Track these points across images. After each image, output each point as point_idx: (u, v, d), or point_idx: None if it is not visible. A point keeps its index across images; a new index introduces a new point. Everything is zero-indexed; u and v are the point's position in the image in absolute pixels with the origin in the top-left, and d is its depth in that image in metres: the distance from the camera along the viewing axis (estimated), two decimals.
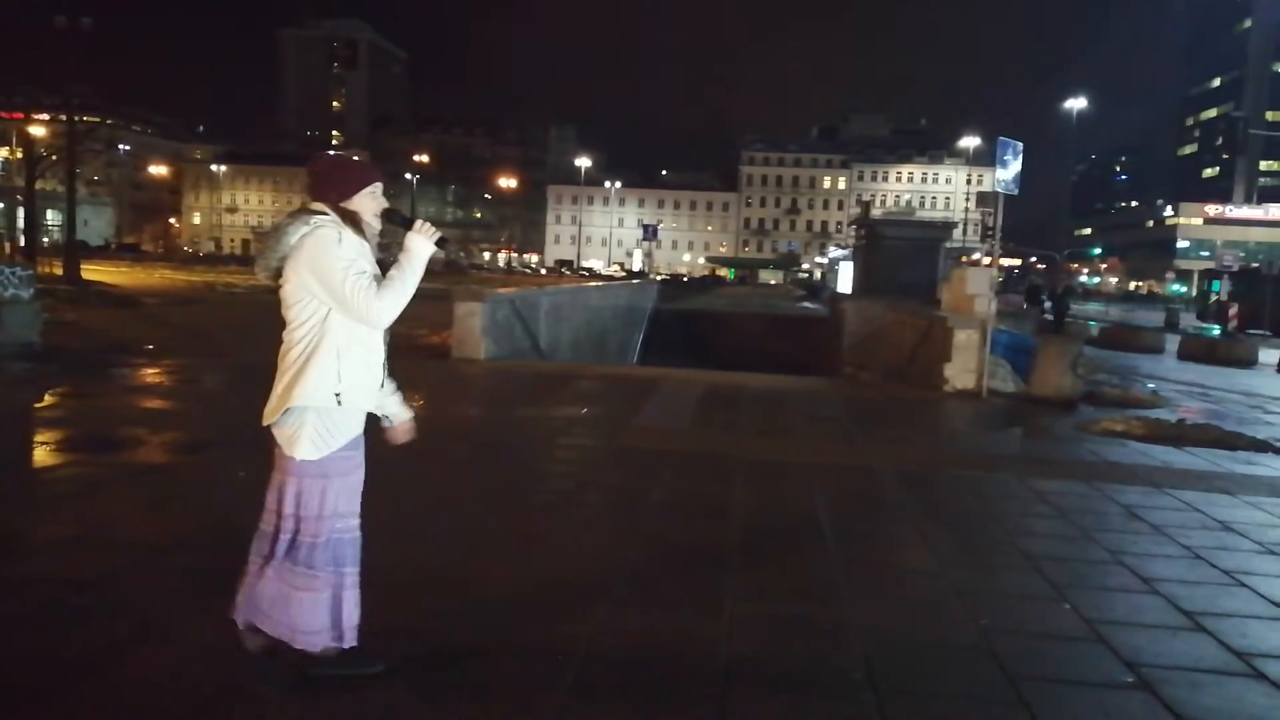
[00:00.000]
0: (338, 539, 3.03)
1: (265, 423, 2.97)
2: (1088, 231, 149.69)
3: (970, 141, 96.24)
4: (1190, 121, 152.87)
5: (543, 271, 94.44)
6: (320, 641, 3.02)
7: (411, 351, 14.45)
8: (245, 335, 15.09)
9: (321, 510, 2.98)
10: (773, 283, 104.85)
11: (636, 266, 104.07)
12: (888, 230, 26.44)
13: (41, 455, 6.57)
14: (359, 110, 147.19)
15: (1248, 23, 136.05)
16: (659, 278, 61.03)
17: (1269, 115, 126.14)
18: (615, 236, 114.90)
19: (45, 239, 55.62)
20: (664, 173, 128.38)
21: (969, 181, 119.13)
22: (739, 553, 4.96)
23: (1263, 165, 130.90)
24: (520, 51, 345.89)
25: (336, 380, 2.92)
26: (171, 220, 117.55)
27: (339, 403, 2.93)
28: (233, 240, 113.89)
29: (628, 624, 3.88)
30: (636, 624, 3.88)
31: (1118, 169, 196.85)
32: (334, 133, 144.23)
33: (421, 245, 3.05)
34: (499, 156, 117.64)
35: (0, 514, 5.05)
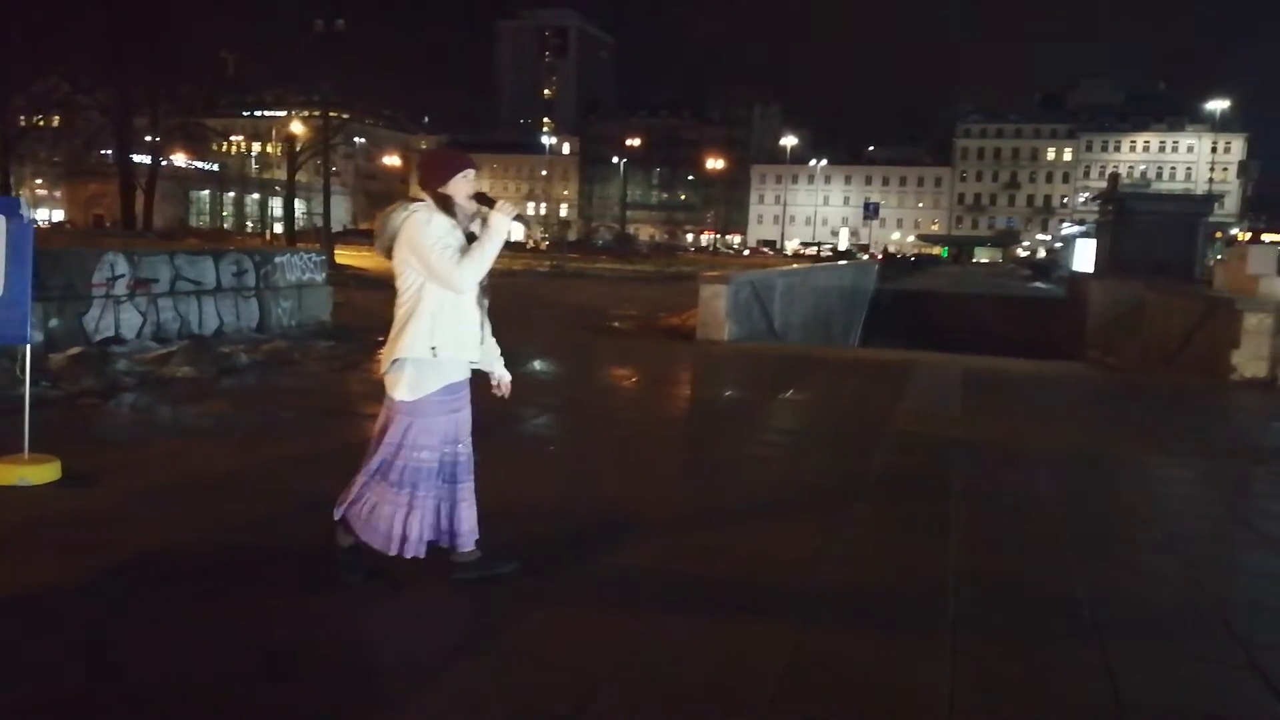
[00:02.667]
0: (414, 466, 3.61)
1: (382, 371, 3.66)
2: None
3: (1217, 105, 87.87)
4: None
5: (745, 252, 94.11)
6: (387, 546, 3.61)
7: (655, 333, 14.82)
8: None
9: (404, 440, 3.59)
10: (986, 261, 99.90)
11: (843, 246, 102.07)
12: (1139, 204, 24.62)
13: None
14: (569, 97, 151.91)
15: None
16: (864, 257, 59.36)
17: None
18: (820, 215, 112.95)
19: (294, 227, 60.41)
20: (871, 149, 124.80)
21: (1215, 150, 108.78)
22: (1074, 550, 4.78)
23: None
24: (725, 30, 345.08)
25: (430, 336, 3.51)
26: None
27: (434, 355, 3.53)
28: None
29: (989, 622, 3.84)
30: (996, 623, 3.84)
31: None
32: (545, 119, 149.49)
33: (501, 222, 3.56)
34: (704, 138, 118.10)
35: None
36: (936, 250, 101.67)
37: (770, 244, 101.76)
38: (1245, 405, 9.86)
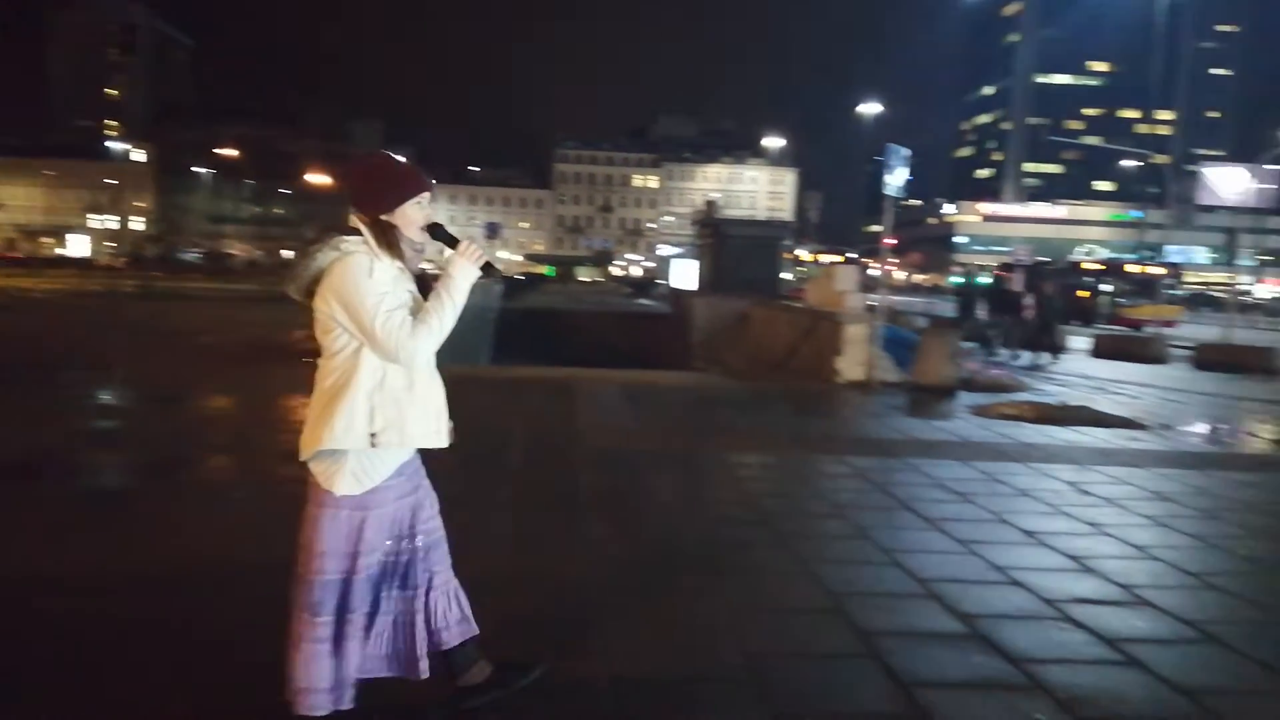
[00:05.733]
0: (364, 578, 2.75)
1: (301, 459, 2.73)
2: (877, 228, 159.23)
3: (773, 142, 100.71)
4: (965, 126, 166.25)
5: None
6: (324, 703, 2.71)
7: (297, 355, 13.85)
8: (110, 342, 14.02)
9: (358, 546, 2.72)
10: (586, 279, 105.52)
11: None
12: (733, 229, 27.50)
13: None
14: (139, 99, 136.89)
15: (1015, 37, 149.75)
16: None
17: (1030, 121, 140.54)
18: None
19: None
20: (470, 169, 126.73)
21: (772, 181, 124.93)
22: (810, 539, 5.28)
23: (1027, 167, 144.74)
24: (319, 43, 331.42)
25: (369, 420, 2.65)
26: None
27: (373, 444, 2.67)
28: None
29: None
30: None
31: None
32: (111, 122, 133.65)
33: (465, 271, 2.73)
34: (302, 151, 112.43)
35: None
36: (543, 269, 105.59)
37: None
38: (857, 403, 11.41)
